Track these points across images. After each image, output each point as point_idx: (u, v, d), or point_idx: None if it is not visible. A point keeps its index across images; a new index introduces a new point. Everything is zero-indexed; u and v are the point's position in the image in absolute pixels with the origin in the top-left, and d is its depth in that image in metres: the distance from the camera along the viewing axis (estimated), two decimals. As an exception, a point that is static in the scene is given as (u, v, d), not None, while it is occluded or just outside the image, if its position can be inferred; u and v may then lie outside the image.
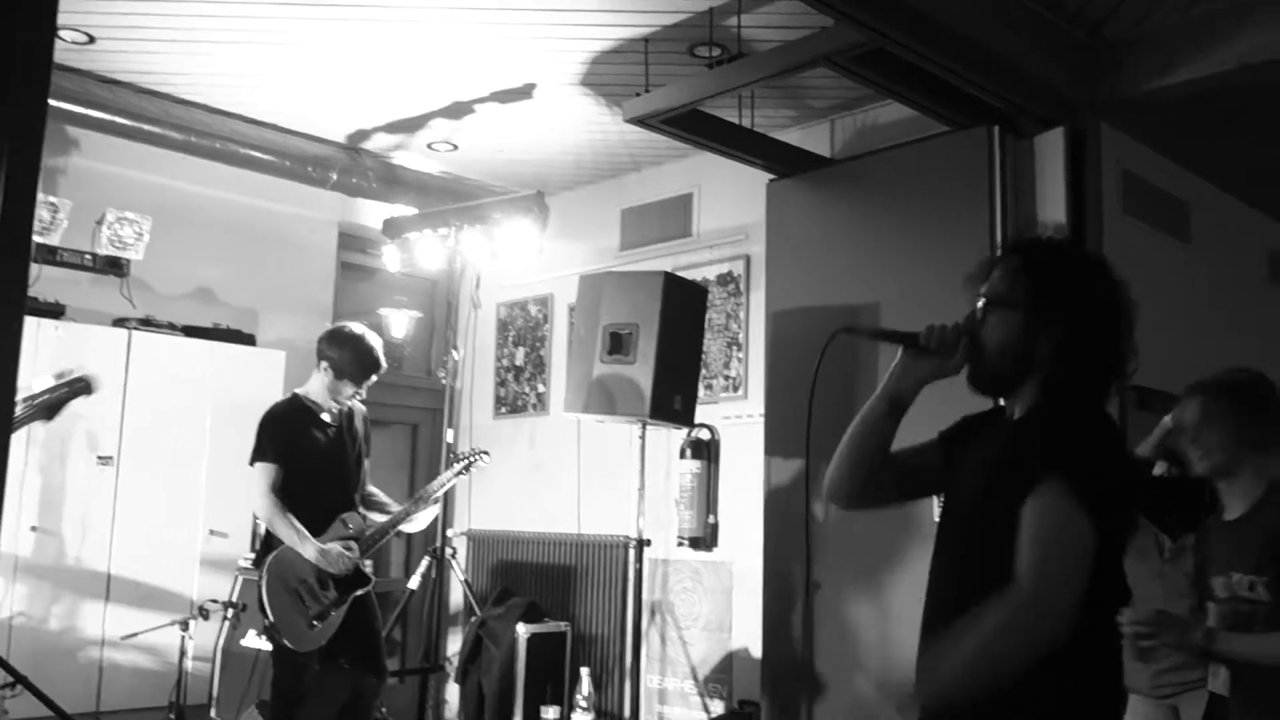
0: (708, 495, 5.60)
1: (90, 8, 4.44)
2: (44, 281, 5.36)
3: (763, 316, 5.16)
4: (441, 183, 6.29)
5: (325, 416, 4.31)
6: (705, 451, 5.62)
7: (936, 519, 4.22)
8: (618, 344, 4.60)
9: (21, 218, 1.10)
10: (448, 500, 5.79)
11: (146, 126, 5.27)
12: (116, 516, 5.45)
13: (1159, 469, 3.39)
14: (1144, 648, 2.49)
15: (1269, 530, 2.72)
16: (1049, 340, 1.81)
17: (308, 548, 4.06)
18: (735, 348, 5.70)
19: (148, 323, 5.70)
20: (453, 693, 6.06)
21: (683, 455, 5.63)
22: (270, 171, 5.76)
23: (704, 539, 5.58)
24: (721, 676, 5.48)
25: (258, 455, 4.14)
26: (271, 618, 4.03)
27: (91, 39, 4.79)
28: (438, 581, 5.51)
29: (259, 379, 5.73)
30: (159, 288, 5.97)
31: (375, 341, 4.37)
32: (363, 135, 5.90)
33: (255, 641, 5.16)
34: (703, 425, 5.57)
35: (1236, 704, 2.67)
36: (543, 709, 4.41)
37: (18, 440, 4.47)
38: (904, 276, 4.57)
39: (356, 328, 4.41)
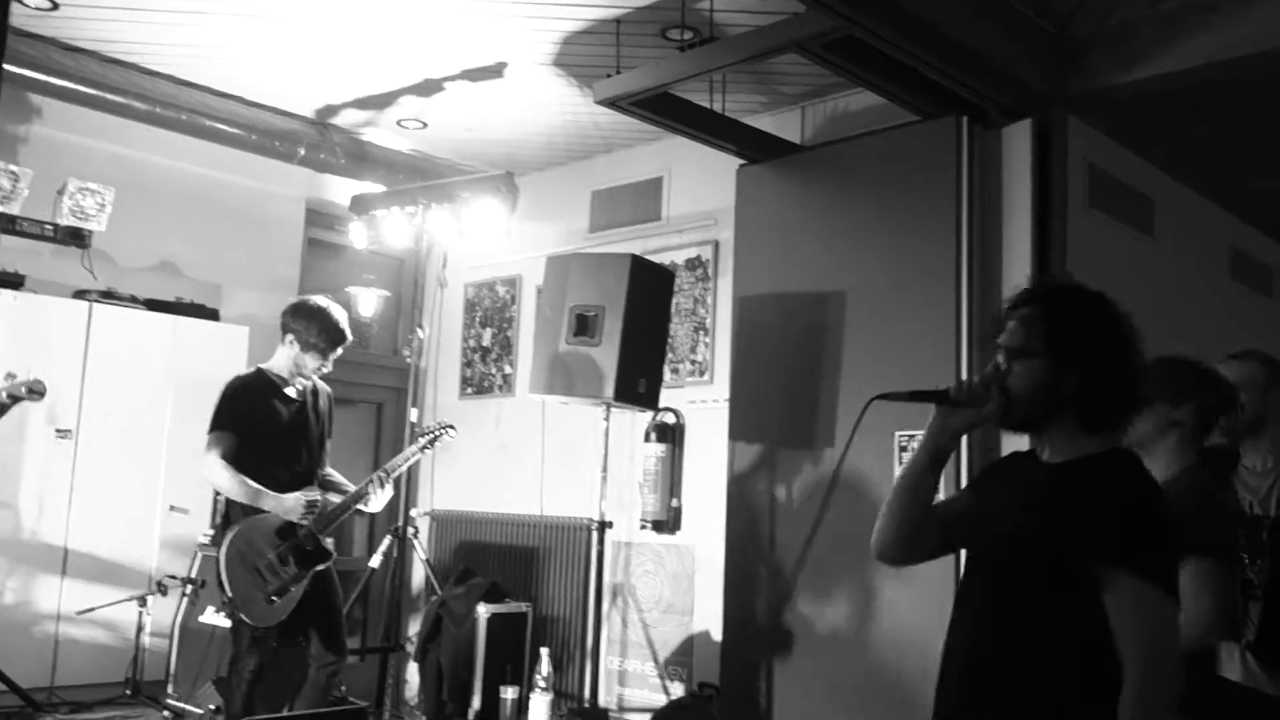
0: (671, 479, 5.61)
1: (53, -27, 4.37)
2: (3, 251, 5.29)
3: (730, 302, 5.17)
4: (410, 161, 6.25)
5: (289, 391, 4.27)
6: (670, 435, 5.63)
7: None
8: (583, 326, 4.59)
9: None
10: (411, 480, 5.78)
11: (110, 96, 5.20)
12: (74, 490, 5.40)
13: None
14: None
15: None
16: (1073, 381, 1.95)
17: (264, 500, 4.03)
18: (702, 332, 5.71)
19: (109, 295, 5.63)
20: (413, 672, 6.05)
21: (647, 438, 5.64)
22: (237, 145, 5.70)
23: (667, 522, 5.60)
24: (682, 659, 5.50)
25: (215, 424, 4.10)
26: (230, 593, 4.00)
27: (55, 5, 4.72)
28: (399, 561, 5.50)
29: (222, 354, 5.68)
30: (121, 260, 5.90)
31: (341, 314, 4.34)
32: (331, 110, 5.85)
33: (214, 618, 5.14)
34: (668, 409, 5.58)
35: None
36: (502, 689, 4.40)
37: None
38: (871, 263, 4.59)
39: (322, 300, 4.37)
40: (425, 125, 5.96)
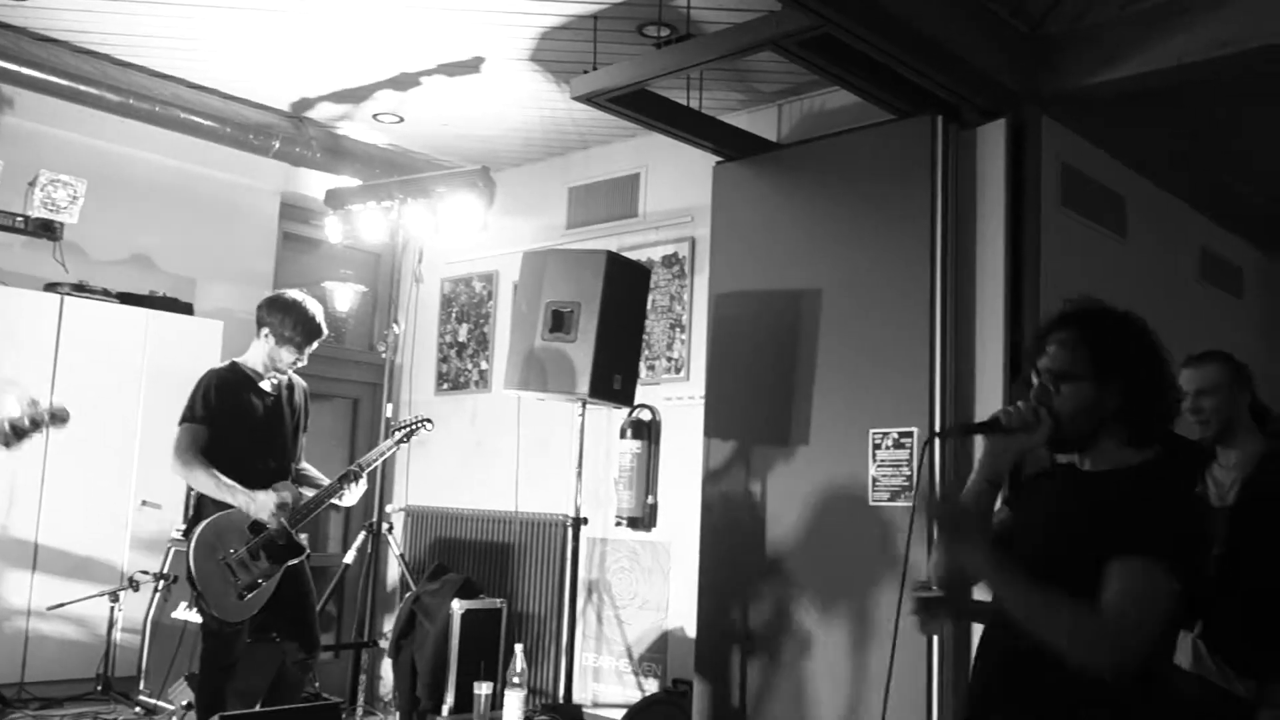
0: (647, 476, 5.62)
1: (25, -37, 4.33)
2: (-29, 243, 5.25)
3: (706, 299, 5.18)
4: (386, 155, 6.22)
5: (264, 385, 4.25)
6: (646, 432, 5.64)
7: (871, 502, 4.30)
8: (559, 322, 4.59)
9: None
10: (386, 476, 5.77)
11: (83, 87, 5.14)
12: (45, 485, 5.36)
13: None
14: None
15: None
16: (1115, 397, 2.08)
17: (236, 496, 4.00)
18: (678, 329, 5.72)
19: (81, 288, 5.59)
20: (387, 668, 6.04)
21: (623, 435, 5.64)
22: (211, 138, 5.65)
23: (642, 519, 5.61)
24: (656, 656, 5.52)
25: (186, 416, 4.07)
26: (199, 588, 3.98)
27: (26, -5, 4.68)
28: (374, 557, 5.49)
29: (196, 349, 5.64)
30: (93, 253, 5.86)
31: (317, 309, 4.32)
32: (307, 104, 5.82)
33: (186, 614, 5.11)
34: (644, 406, 5.59)
35: None
36: (476, 685, 4.38)
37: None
38: (846, 261, 4.61)
39: (298, 294, 4.35)
40: (401, 120, 5.95)
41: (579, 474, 4.76)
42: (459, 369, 6.86)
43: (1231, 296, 6.62)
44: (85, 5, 4.76)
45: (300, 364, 4.32)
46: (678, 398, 5.63)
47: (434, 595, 5.36)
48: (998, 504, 2.51)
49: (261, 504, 4.05)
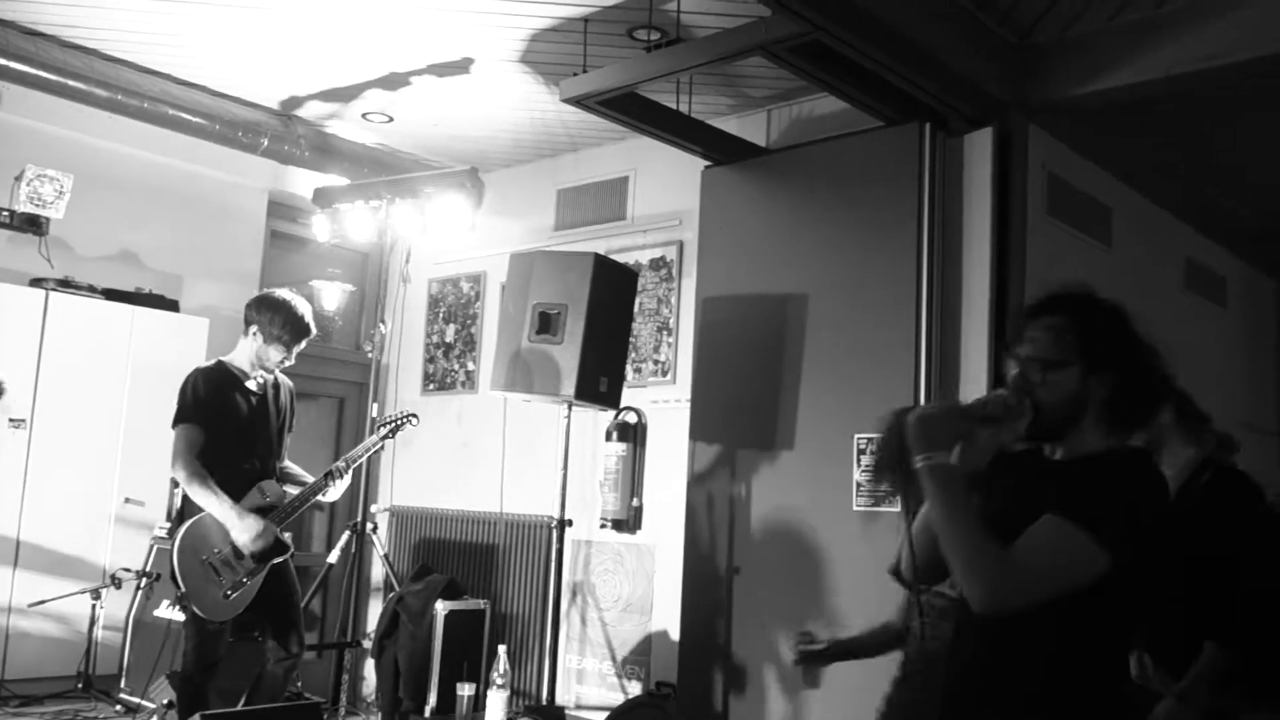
0: (632, 478, 5.63)
1: (14, -43, 4.32)
2: (-42, 237, 5.22)
3: (693, 302, 5.19)
4: (375, 154, 6.22)
5: (250, 384, 4.24)
6: (631, 434, 5.64)
7: (855, 507, 4.31)
8: (546, 323, 4.59)
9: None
10: (371, 475, 5.76)
11: (71, 82, 5.12)
12: (28, 481, 5.34)
13: None
14: None
15: None
16: (1103, 387, 1.99)
17: (225, 511, 3.99)
18: (665, 332, 5.73)
19: (66, 284, 5.57)
20: (370, 668, 6.03)
21: (609, 437, 5.65)
22: (199, 135, 5.63)
23: (627, 521, 5.61)
24: (640, 658, 5.52)
25: (179, 417, 4.06)
26: (184, 587, 3.96)
27: (15, -11, 4.66)
28: (358, 557, 5.48)
29: (181, 346, 5.63)
30: (79, 248, 5.84)
31: (305, 308, 4.31)
32: (296, 102, 5.81)
33: (168, 612, 5.09)
34: (629, 408, 5.59)
35: None
36: (458, 686, 4.38)
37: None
38: (833, 267, 4.63)
39: (286, 293, 4.34)
40: (391, 119, 5.94)
41: (564, 476, 4.76)
42: (445, 369, 6.86)
43: (1216, 306, 6.67)
44: (74, 0, 4.74)
45: (288, 363, 4.31)
46: (664, 401, 5.63)
47: (418, 596, 5.36)
48: None
49: (246, 529, 4.02)
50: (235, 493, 4.05)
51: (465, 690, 4.34)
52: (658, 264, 5.79)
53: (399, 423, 4.74)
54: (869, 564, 4.23)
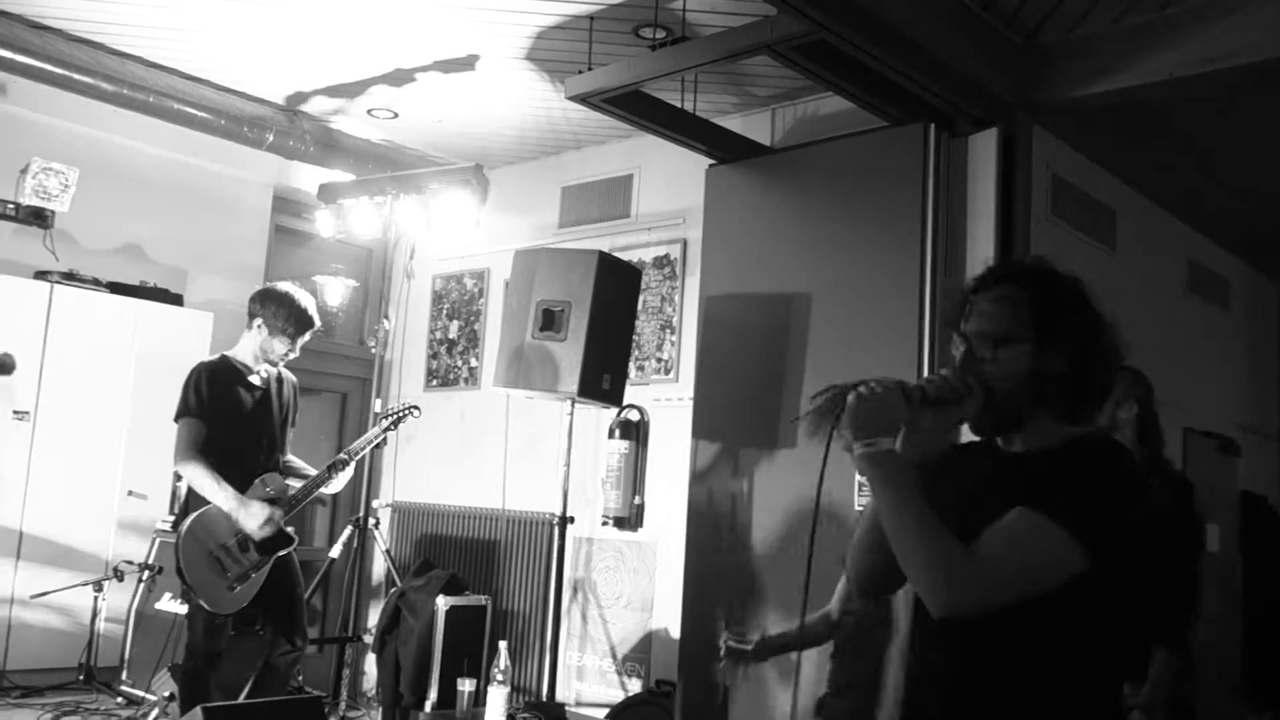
0: (634, 476, 5.63)
1: (22, -50, 4.33)
2: (-37, 230, 5.23)
3: (697, 301, 5.19)
4: (380, 150, 6.22)
5: (254, 379, 4.26)
6: (634, 432, 5.65)
7: (858, 506, 4.32)
8: (549, 321, 4.60)
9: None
10: (373, 471, 5.76)
11: (77, 76, 5.13)
12: (31, 473, 5.35)
13: None
14: None
15: None
16: (1058, 364, 1.78)
17: (228, 501, 4.01)
18: (669, 331, 5.73)
19: (71, 277, 5.58)
20: (371, 663, 6.04)
21: (611, 435, 5.66)
22: (204, 129, 5.64)
23: (629, 519, 5.62)
24: (640, 656, 5.53)
25: (181, 410, 4.08)
26: (189, 580, 3.98)
27: (22, -18, 4.67)
28: (359, 551, 5.49)
29: (185, 340, 5.65)
30: (84, 242, 5.85)
31: (309, 300, 4.33)
32: (301, 97, 5.82)
33: (170, 605, 5.11)
34: (632, 406, 5.60)
35: None
36: (459, 681, 4.39)
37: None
38: (836, 267, 4.63)
39: (289, 286, 4.37)
40: (396, 115, 5.95)
41: (566, 473, 4.77)
42: (449, 366, 6.87)
43: (1219, 309, 6.67)
44: (81, -6, 4.76)
45: (292, 355, 4.33)
46: (666, 399, 5.64)
47: (419, 591, 5.37)
48: None
49: (253, 515, 4.04)
50: (238, 486, 4.07)
51: (466, 686, 4.35)
52: (661, 262, 5.80)
53: (401, 415, 4.76)
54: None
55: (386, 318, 5.71)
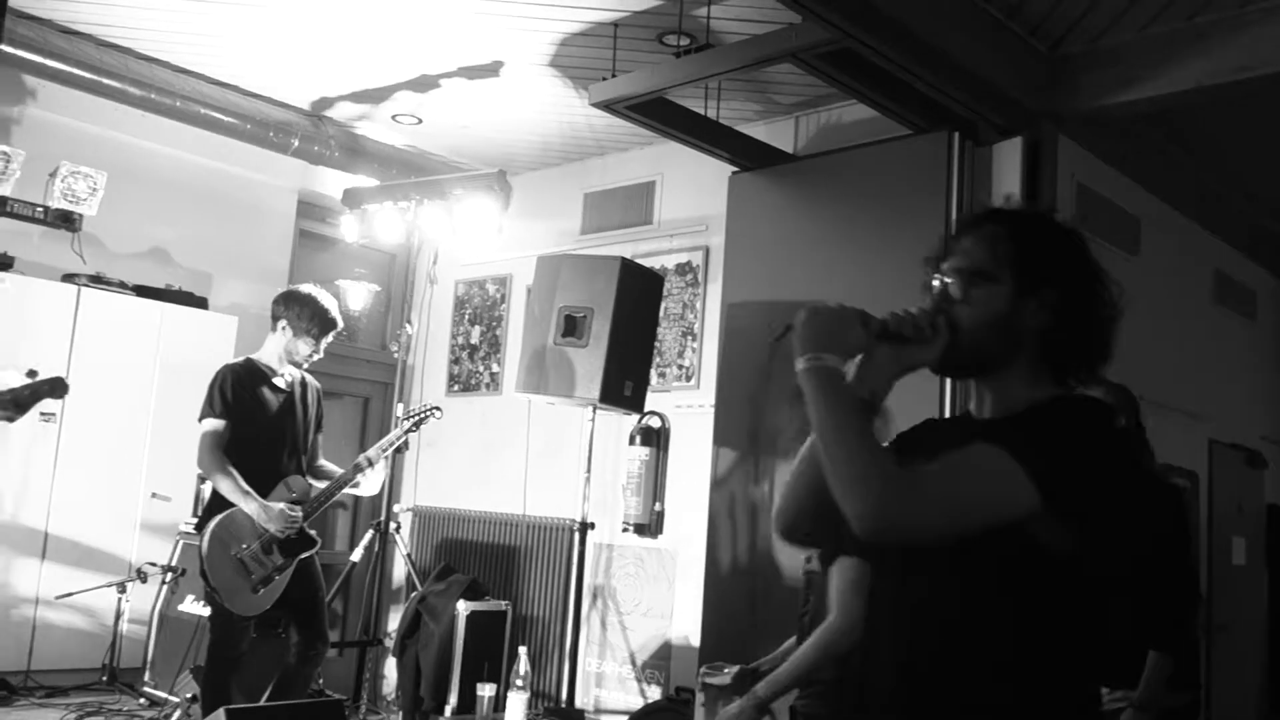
0: (655, 482, 5.63)
1: (53, -43, 4.37)
2: (-8, 232, 5.29)
3: (718, 308, 5.19)
4: (404, 156, 6.26)
5: (278, 381, 4.29)
6: (655, 439, 5.65)
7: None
8: (571, 326, 4.61)
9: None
10: (395, 475, 5.79)
11: (106, 80, 5.19)
12: (57, 475, 5.39)
13: None
14: None
15: None
16: (1038, 312, 1.61)
17: (249, 504, 4.04)
18: (690, 337, 5.73)
19: (98, 280, 5.63)
20: (391, 667, 6.05)
21: (632, 441, 5.66)
22: (231, 134, 5.70)
23: (649, 526, 5.62)
24: (660, 663, 5.52)
25: (206, 411, 4.11)
26: (213, 583, 4.01)
27: (53, -12, 4.72)
28: (380, 556, 5.51)
29: (210, 343, 5.68)
30: (111, 245, 5.90)
31: (331, 301, 4.37)
32: (326, 103, 5.86)
33: (193, 607, 5.14)
34: (653, 413, 5.60)
35: None
36: (479, 686, 4.39)
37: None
38: (859, 275, 4.62)
39: (311, 287, 4.41)
40: (420, 121, 5.98)
41: (587, 479, 4.77)
42: (470, 371, 6.89)
43: (1245, 319, 6.61)
44: None
45: (316, 356, 4.35)
46: (687, 405, 5.64)
47: (440, 596, 5.38)
48: None
49: (273, 516, 4.07)
50: (262, 488, 4.10)
51: (486, 691, 4.34)
52: (683, 269, 5.80)
53: (423, 416, 4.78)
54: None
55: (409, 322, 5.74)
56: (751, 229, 5.07)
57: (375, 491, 4.57)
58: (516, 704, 4.07)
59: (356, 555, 5.47)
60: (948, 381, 4.25)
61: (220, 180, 6.32)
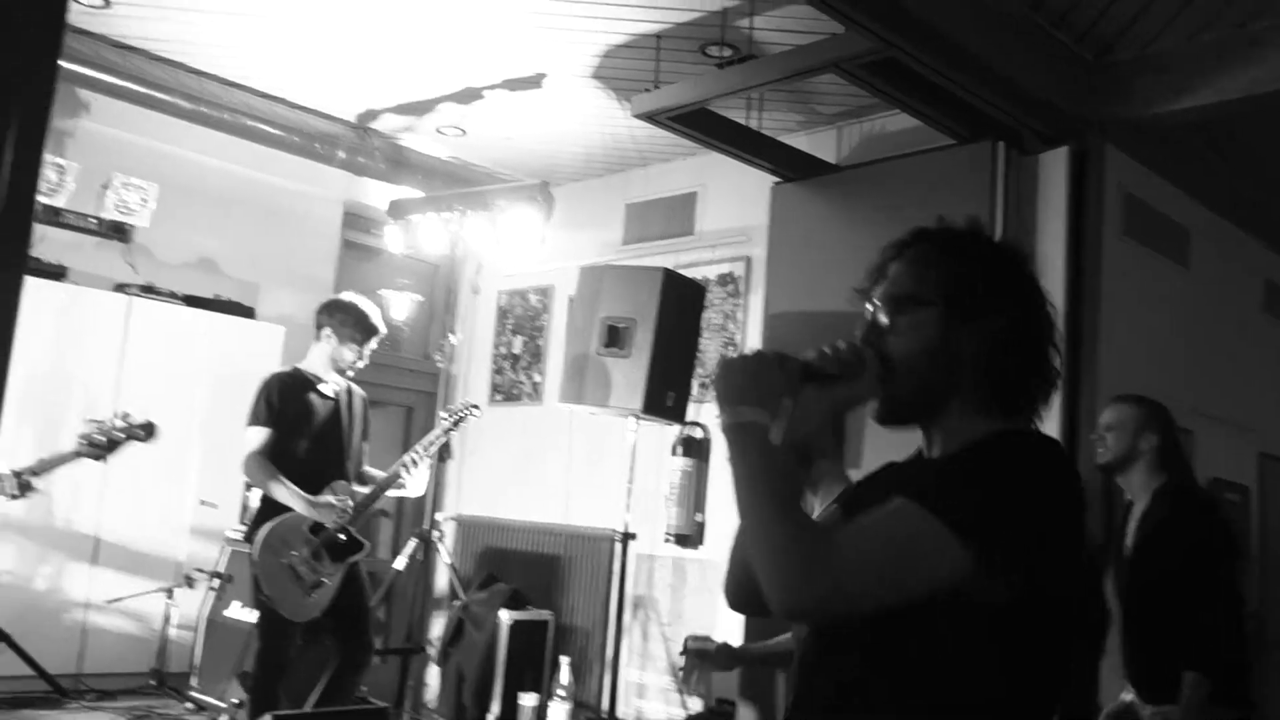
0: (697, 493, 5.62)
1: (108, -26, 4.46)
2: (47, 243, 5.40)
3: (760, 318, 5.18)
4: (448, 167, 6.31)
5: (325, 389, 4.34)
6: (697, 449, 5.64)
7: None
8: (614, 337, 4.62)
9: (28, 176, 1.13)
10: (437, 484, 5.82)
11: (157, 94, 5.29)
12: (107, 481, 5.47)
13: None
14: None
15: None
16: (974, 337, 1.47)
17: (298, 501, 4.09)
18: (732, 348, 5.72)
19: (149, 290, 5.73)
20: (433, 675, 6.09)
21: (674, 452, 5.65)
22: (278, 146, 5.78)
23: (691, 536, 5.60)
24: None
25: (253, 419, 4.17)
26: (266, 589, 4.06)
27: (107, 2, 4.81)
28: (424, 564, 5.54)
29: (257, 352, 5.75)
30: (162, 255, 6.00)
31: (373, 308, 4.42)
32: (372, 115, 5.92)
33: (239, 612, 5.20)
34: (695, 423, 5.59)
35: None
36: (521, 696, 4.42)
37: (10, 400, 4.50)
38: (902, 285, 4.59)
39: (354, 295, 4.47)
40: (464, 132, 6.03)
41: (629, 489, 4.77)
42: (512, 380, 6.92)
43: (1297, 330, 6.49)
44: (163, 14, 4.89)
45: (361, 363, 4.40)
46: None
47: (483, 605, 5.41)
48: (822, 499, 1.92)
49: (324, 513, 4.14)
50: (309, 492, 4.15)
51: (528, 700, 4.38)
52: (725, 280, 5.80)
53: (462, 415, 4.81)
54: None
55: (453, 332, 5.78)
56: (793, 239, 5.06)
57: (420, 492, 4.61)
58: (559, 714, 4.09)
59: (400, 563, 5.51)
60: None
61: (267, 192, 6.40)
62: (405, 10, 4.61)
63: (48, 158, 5.29)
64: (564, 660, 4.28)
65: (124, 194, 5.53)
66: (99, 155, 5.62)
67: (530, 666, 5.20)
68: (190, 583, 5.44)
